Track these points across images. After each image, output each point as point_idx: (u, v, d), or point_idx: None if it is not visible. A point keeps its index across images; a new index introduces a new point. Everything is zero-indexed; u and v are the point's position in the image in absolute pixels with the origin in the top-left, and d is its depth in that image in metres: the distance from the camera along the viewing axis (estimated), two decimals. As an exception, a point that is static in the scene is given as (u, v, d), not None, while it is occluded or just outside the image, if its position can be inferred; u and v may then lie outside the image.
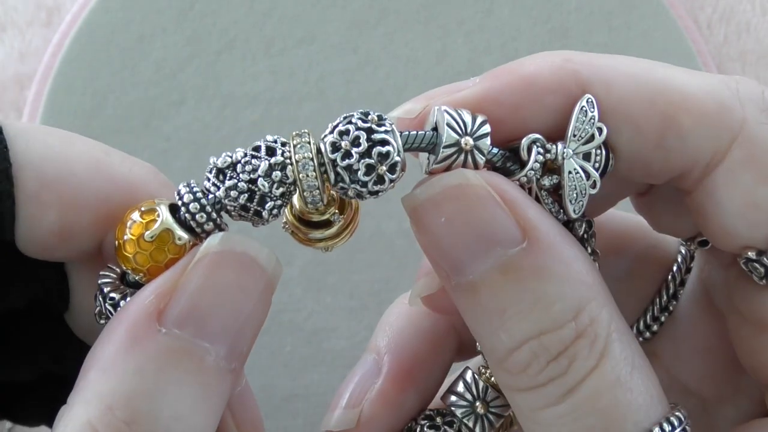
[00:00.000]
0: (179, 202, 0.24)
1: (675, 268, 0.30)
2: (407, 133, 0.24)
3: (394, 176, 0.23)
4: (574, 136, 0.24)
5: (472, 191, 0.23)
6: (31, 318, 0.27)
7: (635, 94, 0.24)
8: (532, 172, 0.24)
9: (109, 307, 0.24)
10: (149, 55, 0.48)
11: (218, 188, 0.23)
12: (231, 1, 0.48)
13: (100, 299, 0.24)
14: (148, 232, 0.23)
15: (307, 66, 0.49)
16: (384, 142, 0.23)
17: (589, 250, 0.26)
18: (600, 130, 0.24)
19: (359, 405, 0.28)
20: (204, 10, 0.48)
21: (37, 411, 0.30)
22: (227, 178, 0.23)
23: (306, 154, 0.23)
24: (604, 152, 0.25)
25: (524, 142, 0.24)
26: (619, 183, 0.27)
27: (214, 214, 0.23)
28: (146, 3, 0.48)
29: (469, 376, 0.28)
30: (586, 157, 0.24)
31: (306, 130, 0.24)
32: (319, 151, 0.23)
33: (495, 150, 0.24)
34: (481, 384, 0.27)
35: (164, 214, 0.24)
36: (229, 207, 0.23)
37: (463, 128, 0.24)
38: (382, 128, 0.23)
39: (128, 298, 0.24)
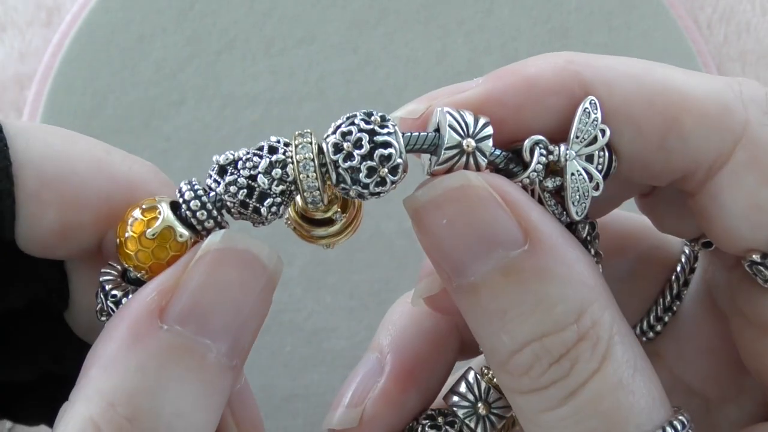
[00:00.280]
0: (180, 200, 0.24)
1: (679, 268, 0.30)
2: (409, 134, 0.24)
3: (395, 178, 0.23)
4: (577, 138, 0.24)
5: (473, 192, 0.23)
6: (31, 318, 0.27)
7: (637, 95, 0.24)
8: (535, 173, 0.24)
9: (111, 305, 0.24)
10: (149, 55, 0.48)
11: (219, 184, 0.23)
12: (231, 1, 0.48)
13: (102, 296, 0.24)
14: (149, 230, 0.23)
15: (307, 66, 0.49)
16: (386, 144, 0.23)
17: (593, 251, 0.26)
18: (603, 131, 0.24)
19: (362, 404, 0.28)
20: (204, 10, 0.48)
21: (37, 411, 0.30)
22: (228, 174, 0.23)
23: (307, 155, 0.23)
24: (607, 154, 0.25)
25: (527, 143, 0.24)
26: (622, 184, 0.27)
27: (214, 212, 0.24)
28: (146, 3, 0.48)
29: (471, 376, 0.28)
30: (589, 158, 0.24)
31: (308, 130, 0.24)
32: (320, 151, 0.23)
33: (497, 151, 0.24)
34: (483, 385, 0.27)
35: (165, 211, 0.24)
36: (228, 203, 0.23)
37: (465, 130, 0.24)
38: (385, 130, 0.23)
39: (130, 296, 0.24)
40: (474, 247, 0.23)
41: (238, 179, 0.23)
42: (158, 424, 0.22)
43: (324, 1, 0.49)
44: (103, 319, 0.24)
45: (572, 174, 0.24)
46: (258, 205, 0.23)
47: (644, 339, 0.30)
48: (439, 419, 0.28)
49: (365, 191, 0.23)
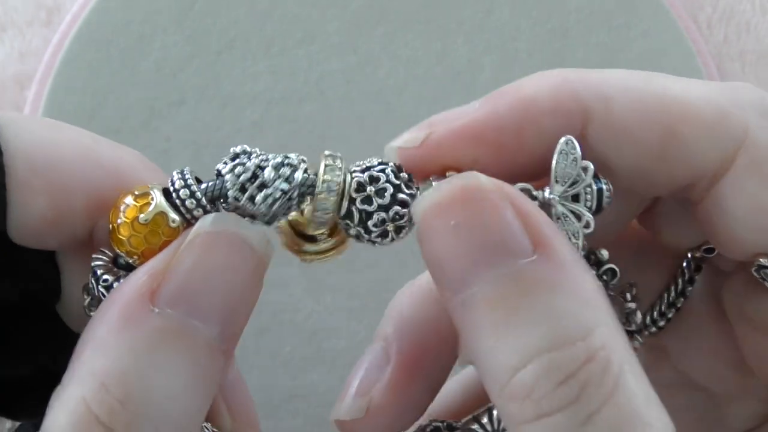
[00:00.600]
0: (171, 188, 0.24)
1: (684, 264, 0.29)
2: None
3: (398, 237, 0.24)
4: (557, 181, 0.24)
5: (482, 195, 0.23)
6: (24, 311, 0.27)
7: (634, 109, 0.24)
8: None
9: (102, 289, 0.24)
10: (149, 55, 0.48)
11: (226, 165, 0.24)
12: (231, 1, 0.48)
13: (93, 281, 0.24)
14: (142, 215, 0.24)
15: (307, 66, 0.49)
16: (405, 204, 0.24)
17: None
18: (585, 169, 0.24)
19: (368, 393, 0.28)
20: (204, 10, 0.48)
21: (37, 410, 0.30)
22: (239, 159, 0.24)
23: (335, 179, 0.24)
24: (595, 188, 0.24)
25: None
26: (626, 204, 0.27)
27: (204, 200, 0.24)
28: (146, 3, 0.48)
29: (496, 413, 0.27)
30: (576, 198, 0.24)
31: (339, 154, 0.24)
32: (344, 180, 0.24)
33: None
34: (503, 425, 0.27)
35: (158, 197, 0.24)
36: (228, 184, 0.24)
37: None
38: (409, 191, 0.24)
39: (121, 281, 0.24)
40: (479, 253, 0.22)
41: (247, 164, 0.24)
42: (149, 405, 0.22)
43: (324, 1, 0.49)
44: (92, 314, 0.24)
45: (558, 218, 0.24)
46: (256, 192, 0.24)
47: (647, 333, 0.30)
48: None
49: (365, 236, 0.24)
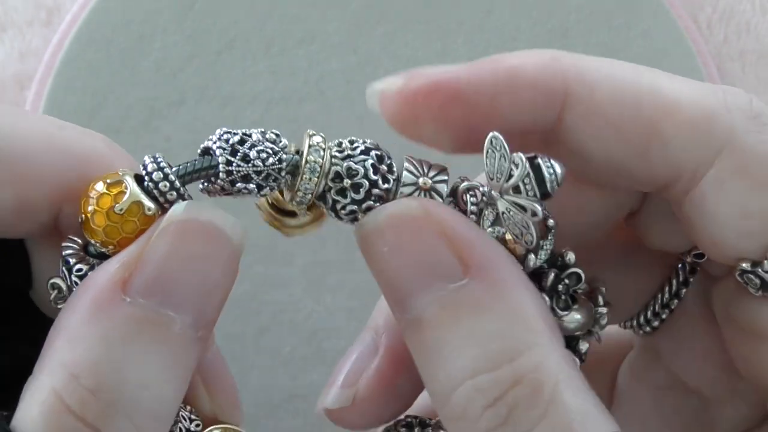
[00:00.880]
0: (144, 172, 0.24)
1: (680, 266, 0.29)
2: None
3: None
4: (491, 178, 0.24)
5: (412, 221, 0.23)
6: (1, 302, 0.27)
7: (618, 100, 0.24)
8: (474, 216, 0.24)
9: (76, 279, 0.24)
10: (149, 55, 0.48)
11: (211, 140, 0.24)
12: (231, 1, 0.48)
13: (65, 271, 0.24)
14: (118, 205, 0.23)
15: (307, 66, 0.49)
16: (379, 198, 0.24)
17: (561, 300, 0.25)
18: (516, 164, 0.23)
19: (355, 384, 0.28)
20: (204, 10, 0.48)
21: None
22: (229, 133, 0.24)
23: (318, 160, 0.24)
24: (533, 176, 0.24)
25: (460, 188, 0.24)
26: (610, 203, 0.27)
27: (177, 183, 0.24)
28: (146, 3, 0.48)
29: None
30: (516, 190, 0.24)
31: (323, 135, 0.24)
32: (325, 162, 0.24)
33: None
34: None
35: (132, 185, 0.24)
36: (217, 151, 0.24)
37: (421, 171, 0.24)
38: (385, 186, 0.24)
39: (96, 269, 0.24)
40: (415, 277, 0.23)
41: (237, 133, 0.24)
42: (122, 395, 0.22)
43: (324, 1, 0.49)
44: (59, 306, 0.24)
45: (502, 213, 0.24)
46: (248, 150, 0.24)
47: (641, 332, 0.30)
48: (416, 429, 0.27)
49: (336, 217, 0.24)
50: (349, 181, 0.24)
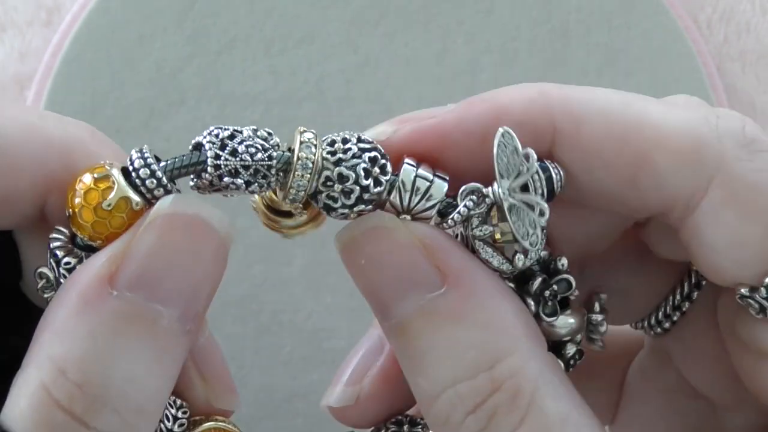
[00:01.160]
0: (130, 168, 0.24)
1: (692, 268, 0.29)
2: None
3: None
4: (502, 175, 0.23)
5: (388, 234, 0.23)
6: None
7: (606, 132, 0.24)
8: (452, 221, 0.24)
9: (65, 272, 0.24)
10: (149, 55, 0.48)
11: (202, 135, 0.24)
12: (231, 1, 0.48)
13: (53, 263, 0.24)
14: (105, 201, 0.23)
15: (307, 66, 0.49)
16: (370, 202, 0.24)
17: (548, 306, 0.25)
18: (527, 156, 0.24)
19: (360, 382, 0.28)
20: (204, 10, 0.48)
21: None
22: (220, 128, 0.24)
23: (310, 157, 0.24)
24: (543, 175, 0.24)
25: (461, 191, 0.24)
26: (613, 216, 0.27)
27: (164, 180, 0.24)
28: (146, 3, 0.48)
29: None
30: (525, 188, 0.24)
31: (313, 131, 0.24)
32: (317, 160, 0.24)
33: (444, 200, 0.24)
34: None
35: (119, 180, 0.24)
36: (206, 145, 0.24)
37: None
38: (377, 189, 0.24)
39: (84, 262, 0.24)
40: (394, 287, 0.23)
41: (228, 129, 0.24)
42: (109, 390, 0.22)
43: (324, 1, 0.49)
44: (47, 296, 0.24)
45: (509, 210, 0.23)
46: (237, 145, 0.24)
47: (652, 333, 0.30)
48: (405, 427, 0.27)
49: (330, 216, 0.24)
50: (340, 187, 0.24)
